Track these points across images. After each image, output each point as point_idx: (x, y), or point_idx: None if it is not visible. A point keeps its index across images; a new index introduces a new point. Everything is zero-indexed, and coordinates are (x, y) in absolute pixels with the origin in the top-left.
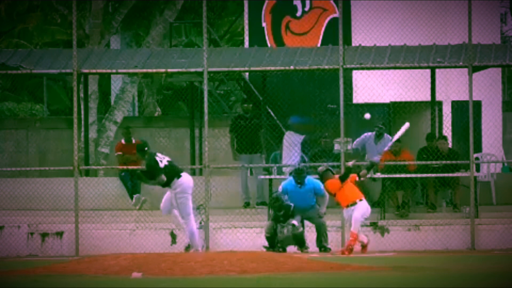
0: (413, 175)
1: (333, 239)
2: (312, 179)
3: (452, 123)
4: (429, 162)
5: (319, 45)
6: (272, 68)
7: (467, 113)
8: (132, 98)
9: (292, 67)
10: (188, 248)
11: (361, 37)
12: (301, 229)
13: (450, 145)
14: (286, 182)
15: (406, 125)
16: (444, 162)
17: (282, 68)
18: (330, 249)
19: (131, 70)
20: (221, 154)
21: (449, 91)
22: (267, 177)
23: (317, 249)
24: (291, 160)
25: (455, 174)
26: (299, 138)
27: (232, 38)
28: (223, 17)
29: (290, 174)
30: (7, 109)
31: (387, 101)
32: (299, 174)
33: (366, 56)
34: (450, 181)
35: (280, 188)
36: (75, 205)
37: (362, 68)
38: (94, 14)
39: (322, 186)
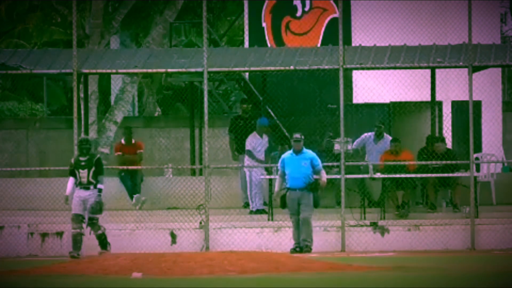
0: (413, 175)
1: (333, 239)
2: (310, 152)
3: (452, 123)
4: (429, 162)
5: (319, 45)
6: (272, 68)
7: (467, 113)
8: (132, 98)
9: (292, 67)
10: None
11: (361, 37)
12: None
13: (449, 145)
14: (286, 153)
15: None
16: (444, 162)
17: (282, 68)
18: (309, 248)
19: (131, 70)
20: (221, 154)
21: (449, 91)
22: (267, 177)
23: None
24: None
25: (455, 174)
26: (259, 140)
27: (232, 38)
28: (222, 17)
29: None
30: (7, 109)
31: (387, 101)
32: (295, 142)
33: (366, 56)
34: (450, 181)
35: (279, 161)
36: None
37: (362, 68)
38: (94, 14)
39: (319, 161)
